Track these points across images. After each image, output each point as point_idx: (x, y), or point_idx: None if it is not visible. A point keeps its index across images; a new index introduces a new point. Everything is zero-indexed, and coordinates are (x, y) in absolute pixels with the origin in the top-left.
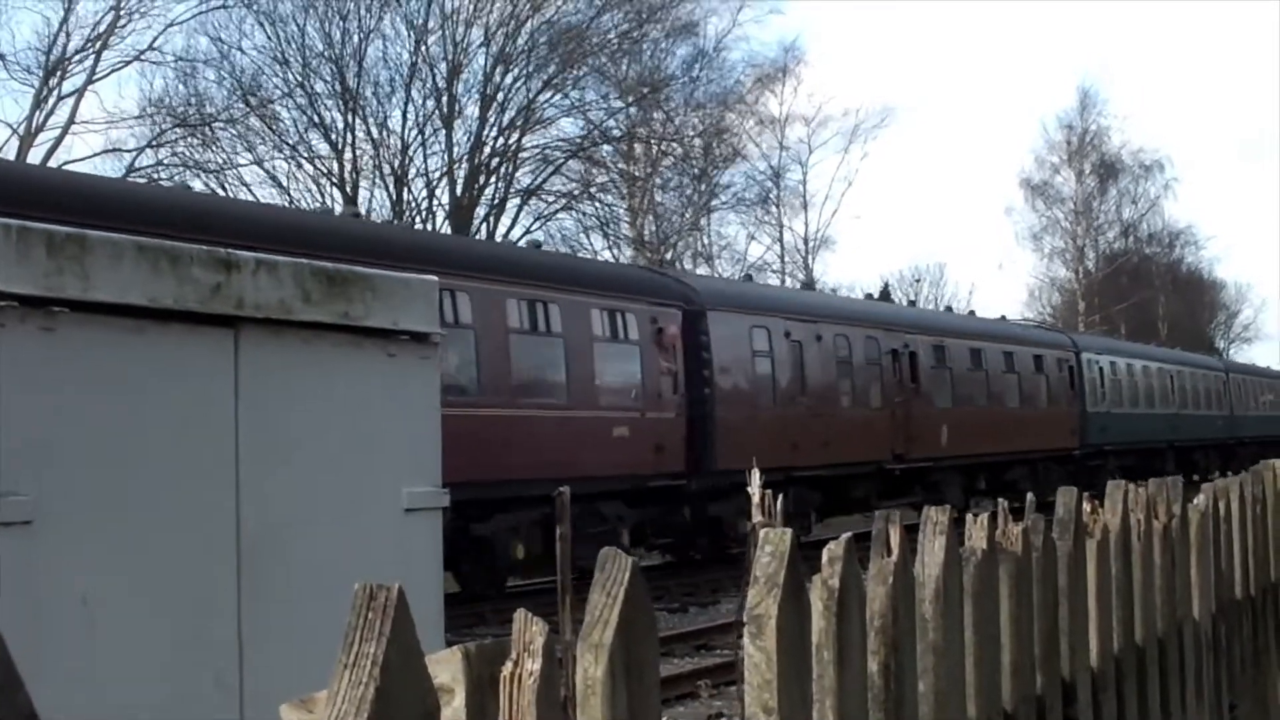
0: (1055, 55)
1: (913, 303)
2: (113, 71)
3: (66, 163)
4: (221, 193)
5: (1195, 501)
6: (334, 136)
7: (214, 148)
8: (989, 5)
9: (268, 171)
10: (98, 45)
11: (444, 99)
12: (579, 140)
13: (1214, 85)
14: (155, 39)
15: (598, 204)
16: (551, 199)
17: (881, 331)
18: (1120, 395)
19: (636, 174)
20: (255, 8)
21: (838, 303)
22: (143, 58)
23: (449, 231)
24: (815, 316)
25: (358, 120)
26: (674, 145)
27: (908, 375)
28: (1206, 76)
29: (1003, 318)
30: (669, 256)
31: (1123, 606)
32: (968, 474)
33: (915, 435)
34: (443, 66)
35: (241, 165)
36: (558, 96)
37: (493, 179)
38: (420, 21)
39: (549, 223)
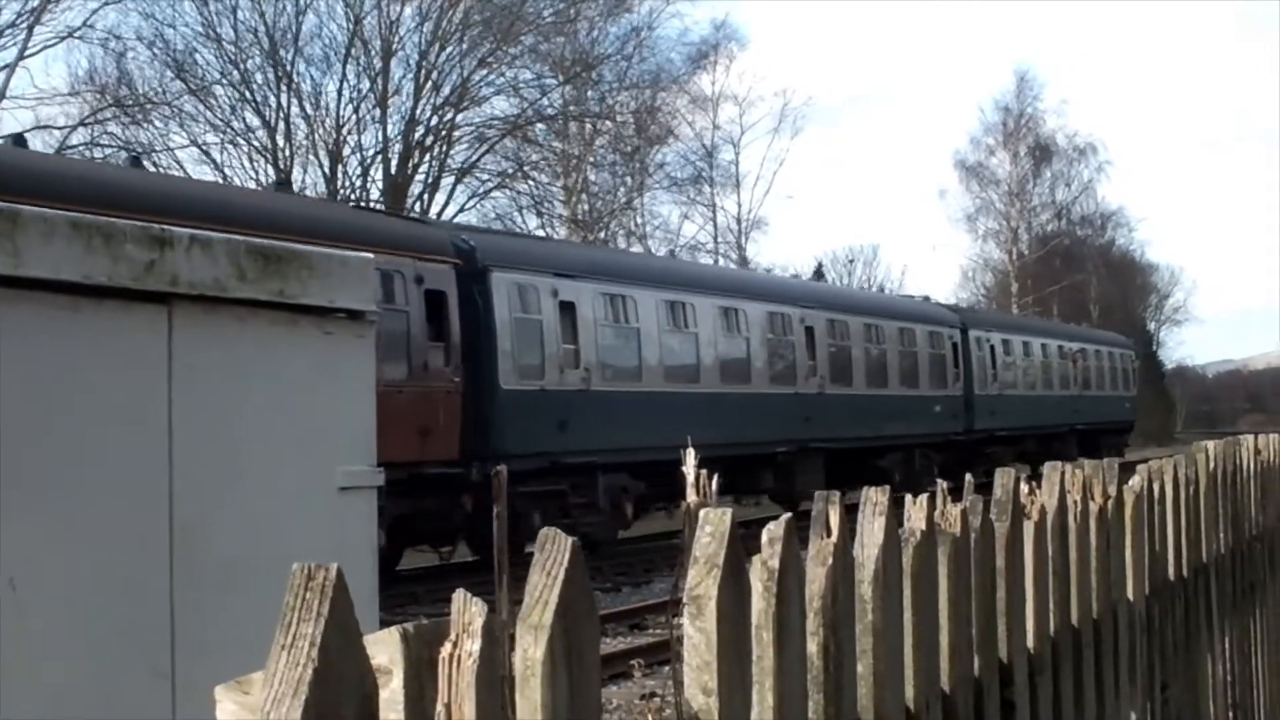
0: (996, 42)
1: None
2: (45, 48)
3: None
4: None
5: (1130, 483)
6: (267, 114)
7: (146, 125)
8: None
9: (202, 149)
10: (31, 20)
11: (379, 77)
12: (513, 119)
13: (1162, 77)
14: (90, 17)
15: (532, 183)
16: (486, 177)
17: None
18: (622, 355)
19: (571, 152)
20: None
21: None
22: (76, 35)
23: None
24: None
25: (292, 98)
26: (607, 123)
27: None
28: (1151, 69)
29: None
30: (603, 235)
31: (1059, 588)
32: None
33: None
34: (378, 44)
35: (177, 147)
36: (492, 75)
37: (427, 157)
38: None
39: (483, 201)
